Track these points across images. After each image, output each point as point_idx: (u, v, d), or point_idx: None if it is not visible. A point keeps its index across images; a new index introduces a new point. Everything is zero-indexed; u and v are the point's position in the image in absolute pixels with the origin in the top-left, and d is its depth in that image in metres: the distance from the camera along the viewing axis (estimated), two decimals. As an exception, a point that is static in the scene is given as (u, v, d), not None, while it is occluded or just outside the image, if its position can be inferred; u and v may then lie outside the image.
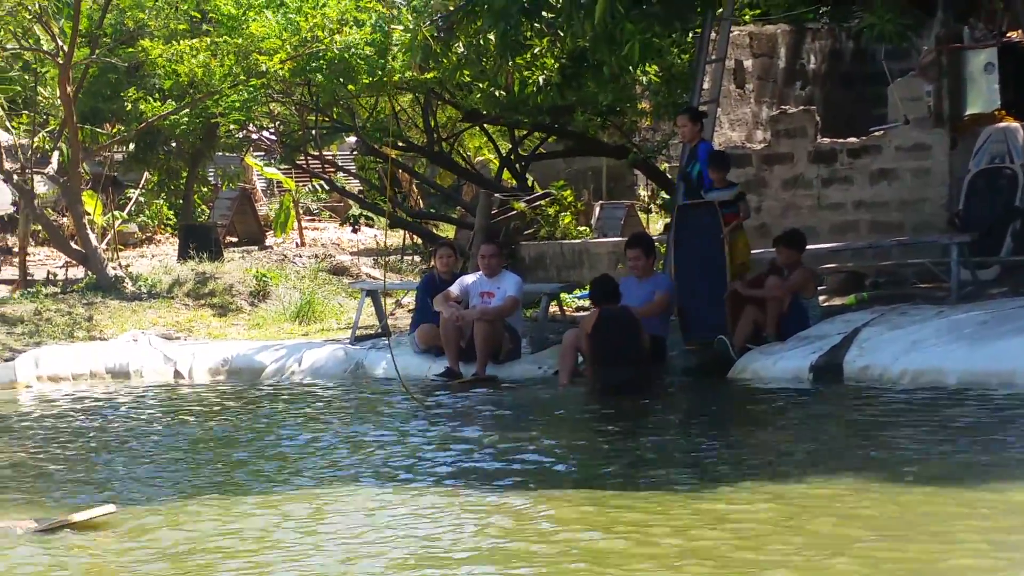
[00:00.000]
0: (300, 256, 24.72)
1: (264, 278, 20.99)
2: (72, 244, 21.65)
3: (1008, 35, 18.02)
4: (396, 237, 25.58)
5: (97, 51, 22.32)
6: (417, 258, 24.23)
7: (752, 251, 14.55)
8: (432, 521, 7.71)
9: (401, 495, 8.43)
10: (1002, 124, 16.92)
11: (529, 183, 22.65)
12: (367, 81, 19.01)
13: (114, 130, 24.80)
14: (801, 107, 19.45)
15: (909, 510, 7.38)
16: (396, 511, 7.99)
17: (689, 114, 14.85)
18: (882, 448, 9.19)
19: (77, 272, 22.13)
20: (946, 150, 17.31)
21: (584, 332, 12.84)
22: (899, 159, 17.61)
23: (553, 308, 16.35)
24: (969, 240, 15.17)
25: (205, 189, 29.18)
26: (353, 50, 18.82)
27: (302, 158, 23.60)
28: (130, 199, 27.26)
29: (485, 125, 22.53)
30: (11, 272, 23.81)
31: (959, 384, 11.49)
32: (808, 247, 16.50)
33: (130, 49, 22.66)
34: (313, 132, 21.73)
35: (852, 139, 18.19)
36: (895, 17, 13.26)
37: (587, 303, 17.84)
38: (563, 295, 17.20)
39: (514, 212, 20.15)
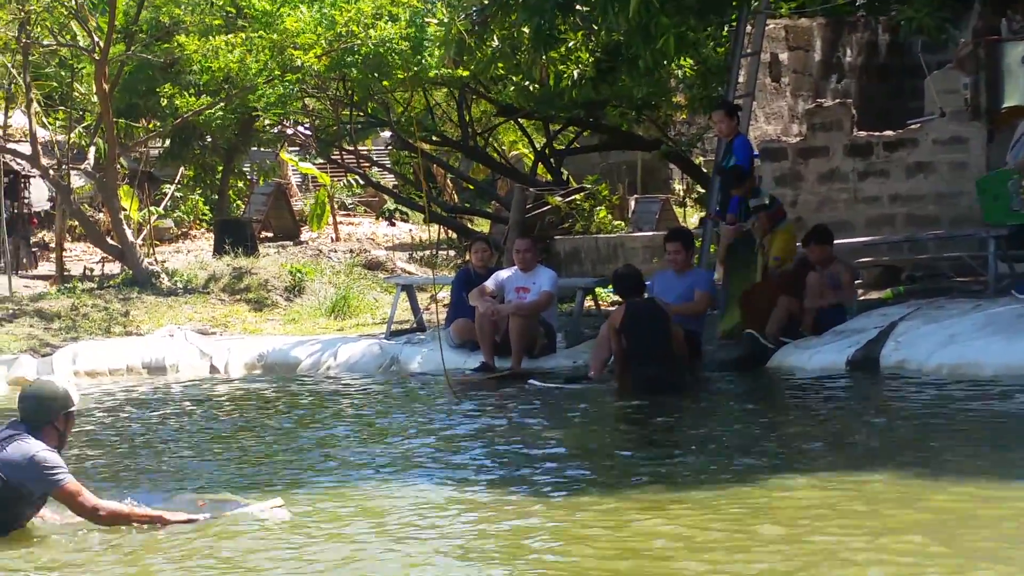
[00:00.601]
0: (335, 251, 24.78)
1: (299, 273, 21.04)
2: (108, 239, 21.74)
3: (1046, 27, 17.91)
4: (431, 232, 25.61)
5: (133, 47, 22.41)
6: (452, 253, 24.25)
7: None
8: (472, 518, 7.72)
9: (447, 492, 8.44)
10: (1039, 117, 16.81)
11: (564, 177, 22.63)
12: (402, 76, 19.03)
13: (150, 126, 24.90)
14: (837, 100, 19.37)
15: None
16: (445, 511, 8.01)
17: (725, 109, 14.81)
18: (922, 444, 9.16)
19: (113, 267, 22.24)
20: (983, 143, 17.21)
21: (612, 328, 12.71)
22: (935, 152, 17.52)
23: (588, 303, 16.32)
24: (1006, 233, 15.08)
25: (240, 184, 29.30)
26: (388, 45, 18.84)
27: (337, 153, 23.64)
28: (166, 194, 27.38)
29: (520, 119, 22.52)
30: (48, 267, 23.97)
31: (996, 377, 11.43)
32: (844, 240, 16.46)
33: (166, 45, 22.74)
34: (348, 127, 21.76)
35: (888, 132, 18.10)
36: (933, 10, 13.19)
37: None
38: (598, 289, 17.17)
39: (549, 207, 20.15)
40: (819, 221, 17.29)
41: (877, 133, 18.16)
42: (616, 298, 17.88)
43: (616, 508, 7.71)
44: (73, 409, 7.84)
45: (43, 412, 7.70)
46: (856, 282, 16.37)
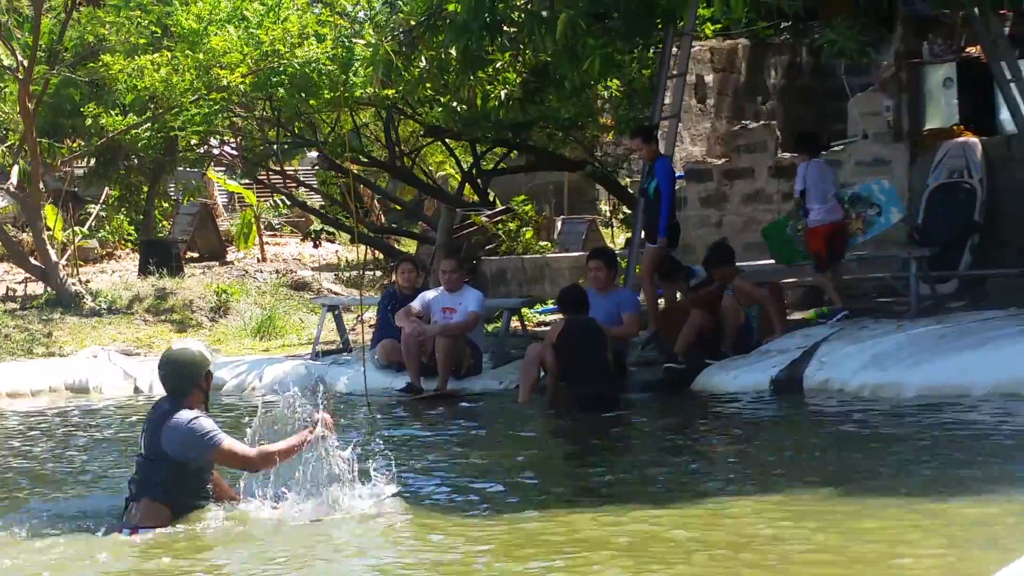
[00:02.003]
0: (261, 271, 24.67)
1: (225, 293, 20.93)
2: (32, 260, 21.56)
3: (967, 51, 18.12)
4: (358, 252, 25.54)
5: (57, 66, 22.24)
6: (379, 273, 24.20)
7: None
8: (388, 540, 7.69)
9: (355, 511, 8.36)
10: (961, 139, 17.02)
11: (491, 198, 22.66)
12: (329, 96, 18.99)
13: (75, 145, 24.71)
14: (762, 122, 19.52)
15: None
16: (346, 528, 7.93)
17: (641, 135, 14.82)
18: (835, 462, 9.22)
19: (36, 288, 22.02)
20: (905, 165, 17.40)
21: (549, 343, 12.77)
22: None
23: (514, 323, 16.34)
24: (928, 254, 15.24)
25: (166, 204, 29.09)
26: (314, 65, 18.80)
27: (263, 173, 23.55)
28: (90, 214, 27.16)
29: (447, 140, 22.53)
30: (-30, 288, 23.67)
31: (918, 397, 11.53)
32: (769, 262, 16.58)
33: (91, 64, 22.59)
34: (274, 147, 21.69)
35: (812, 154, 18.23)
36: (855, 33, 13.31)
37: (548, 318, 17.88)
38: (524, 310, 17.19)
39: (476, 227, 20.16)
40: (744, 242, 17.45)
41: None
42: (543, 318, 18.00)
43: (534, 524, 7.70)
44: (211, 367, 8.21)
45: (186, 378, 8.04)
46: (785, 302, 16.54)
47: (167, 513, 7.86)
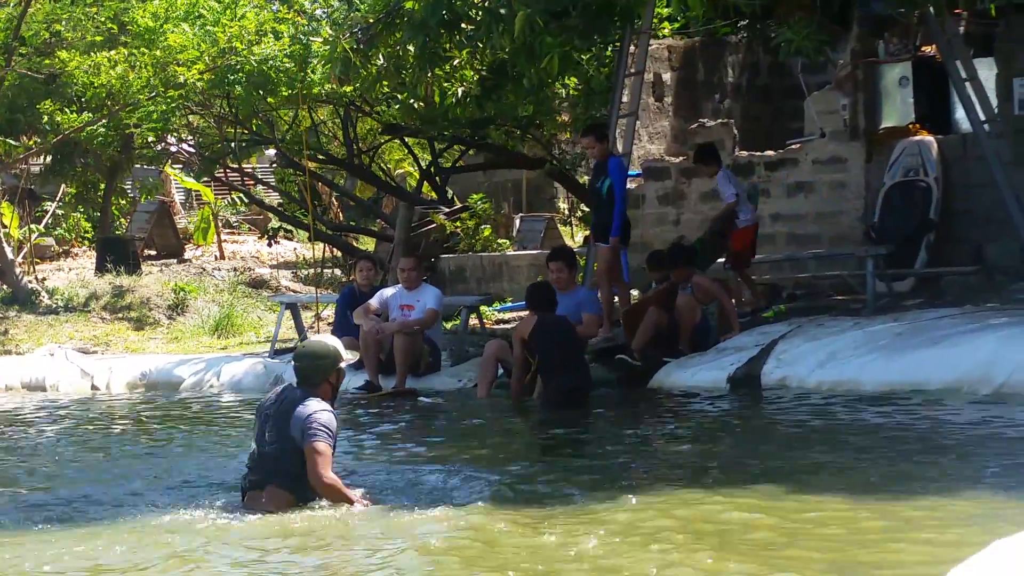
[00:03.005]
0: (219, 269, 24.60)
1: (183, 291, 20.87)
2: (-13, 257, 21.43)
3: (922, 50, 18.23)
4: (316, 250, 25.51)
5: (13, 62, 22.11)
6: (337, 271, 24.16)
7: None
8: (346, 539, 7.68)
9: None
10: (916, 138, 17.11)
11: (449, 196, 22.65)
12: (286, 93, 18.95)
13: (30, 142, 24.57)
14: (719, 120, 19.58)
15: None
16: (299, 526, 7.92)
17: (594, 134, 14.83)
18: (781, 459, 9.26)
19: (-8, 285, 21.92)
20: (862, 163, 17.49)
21: (520, 338, 12.73)
22: (816, 172, 17.76)
23: (473, 321, 16.36)
24: (884, 253, 15.32)
25: (123, 202, 28.96)
26: (271, 62, 18.75)
27: (221, 171, 23.48)
28: (47, 212, 27.03)
29: (405, 138, 22.50)
30: (-75, 286, 23.52)
31: (874, 394, 11.61)
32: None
33: (47, 60, 22.47)
34: (232, 144, 21.62)
35: (769, 152, 18.34)
36: (811, 32, 13.35)
37: (507, 316, 17.90)
38: (483, 308, 17.20)
39: (434, 225, 20.15)
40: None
41: (759, 153, 18.39)
42: (501, 316, 18.01)
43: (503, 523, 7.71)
44: (343, 364, 8.47)
45: (319, 370, 8.32)
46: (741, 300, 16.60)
47: (291, 500, 8.08)
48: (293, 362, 8.52)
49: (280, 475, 8.12)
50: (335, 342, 8.60)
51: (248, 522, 7.91)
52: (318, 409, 8.11)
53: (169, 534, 7.69)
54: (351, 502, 8.06)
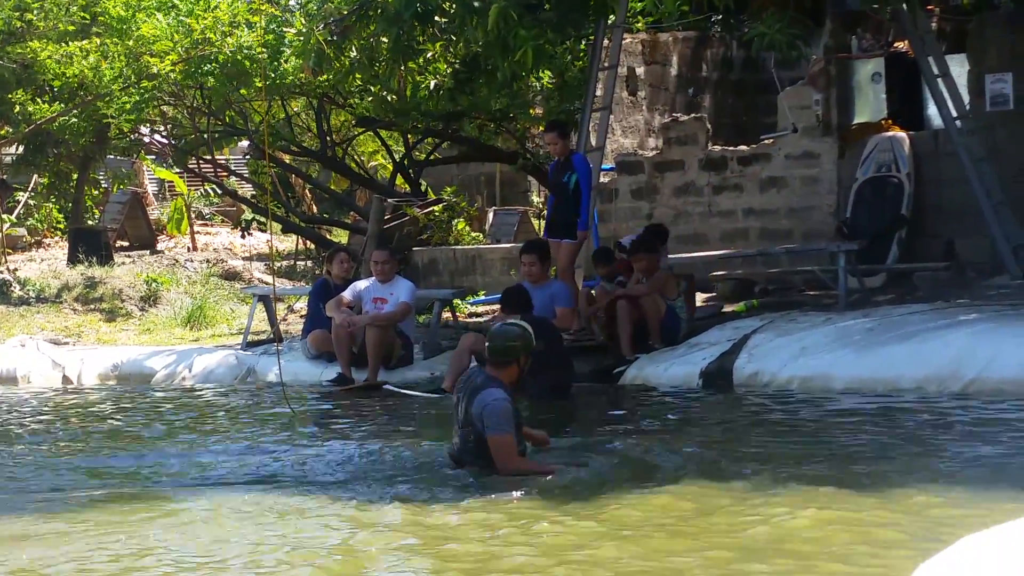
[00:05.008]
0: (191, 261, 24.52)
1: (155, 283, 20.81)
2: (-42, 247, 21.34)
3: (895, 45, 18.30)
4: (289, 242, 25.47)
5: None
6: (310, 263, 24.12)
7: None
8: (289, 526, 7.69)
9: (270, 500, 8.36)
10: (889, 133, 17.17)
11: (422, 188, 22.63)
12: (260, 84, 18.91)
13: (2, 132, 24.47)
14: (692, 115, 19.62)
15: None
16: (264, 518, 7.94)
17: (557, 130, 14.87)
18: (752, 458, 9.27)
19: (-37, 276, 21.83)
20: (834, 158, 17.54)
21: None
22: (788, 167, 17.81)
23: (446, 314, 16.35)
24: (856, 248, 15.37)
25: (96, 192, 28.85)
26: (245, 52, 18.70)
27: (194, 162, 23.41)
28: (19, 202, 26.92)
29: (379, 130, 22.48)
30: None
31: (846, 390, 11.66)
32: (698, 254, 16.67)
33: (19, 49, 22.37)
34: (205, 135, 21.57)
35: (742, 147, 18.38)
36: (784, 27, 13.39)
37: (480, 309, 17.90)
38: (456, 301, 17.20)
39: (407, 218, 20.13)
40: (675, 234, 17.55)
41: (732, 148, 18.44)
42: (474, 309, 18.01)
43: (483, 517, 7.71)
44: (534, 347, 8.90)
45: (510, 351, 8.78)
46: (712, 295, 16.65)
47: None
48: (487, 341, 8.92)
49: (468, 454, 8.69)
50: (529, 329, 8.97)
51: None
52: (491, 400, 8.52)
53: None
54: (536, 471, 8.54)
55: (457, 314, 17.18)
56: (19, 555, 7.19)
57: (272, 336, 16.29)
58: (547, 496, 8.08)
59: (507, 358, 8.78)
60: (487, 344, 8.92)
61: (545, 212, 20.88)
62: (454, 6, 14.73)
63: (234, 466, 9.68)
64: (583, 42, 17.80)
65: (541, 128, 21.49)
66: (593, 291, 14.80)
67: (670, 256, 15.82)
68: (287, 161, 24.44)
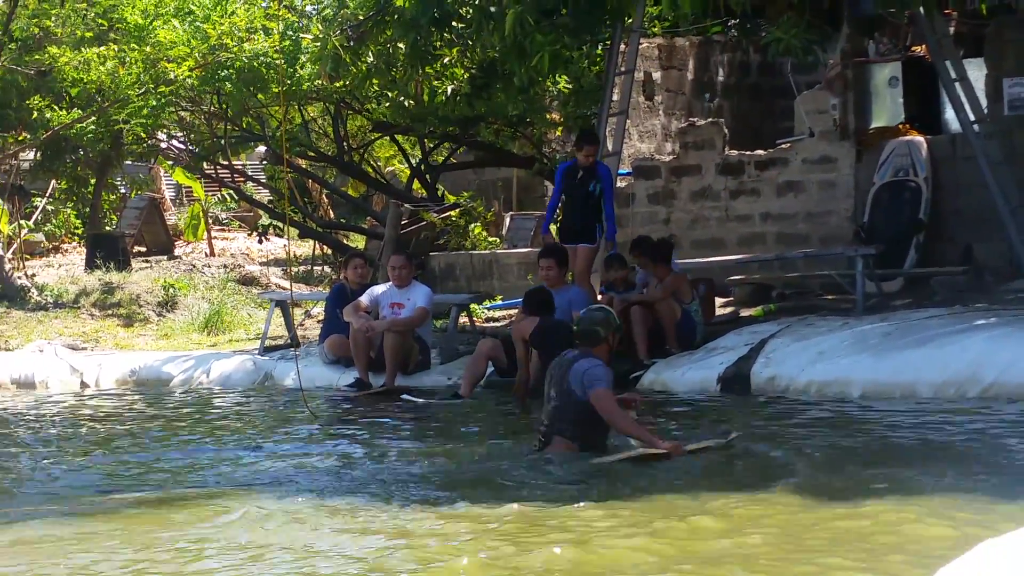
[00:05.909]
0: (209, 266, 24.56)
1: (172, 288, 20.85)
2: (-23, 253, 21.38)
3: (912, 50, 18.28)
4: (306, 247, 25.50)
5: (3, 57, 22.08)
6: (327, 268, 24.15)
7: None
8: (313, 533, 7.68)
9: (287, 507, 8.30)
10: (906, 138, 17.15)
11: (439, 193, 22.65)
12: (276, 90, 18.95)
13: (20, 137, 24.52)
14: (709, 119, 19.60)
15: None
16: (280, 522, 7.88)
17: (598, 142, 14.93)
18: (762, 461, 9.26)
19: (-18, 282, 21.88)
20: (851, 163, 17.52)
21: (520, 338, 12.70)
22: (805, 172, 17.79)
23: (463, 319, 16.36)
24: (874, 252, 15.35)
25: (113, 198, 28.91)
26: (262, 58, 18.74)
27: (211, 167, 23.46)
28: (37, 208, 26.99)
29: (395, 135, 22.50)
30: (-86, 281, 23.47)
31: (863, 395, 11.64)
32: (716, 259, 16.66)
33: (37, 56, 22.43)
34: (222, 141, 21.60)
35: (759, 151, 18.36)
36: (801, 31, 13.38)
37: (497, 314, 17.90)
38: (473, 306, 17.21)
39: (424, 223, 20.15)
40: (692, 239, 17.57)
41: (748, 152, 18.42)
42: (491, 314, 18.01)
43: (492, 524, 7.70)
44: (619, 325, 9.79)
45: (596, 332, 9.50)
46: (728, 299, 16.64)
47: (573, 448, 9.25)
48: (575, 326, 9.78)
49: (564, 425, 9.27)
50: (611, 311, 9.95)
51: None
52: (591, 365, 9.25)
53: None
54: (646, 440, 9.15)
55: (474, 319, 17.19)
56: (65, 560, 7.18)
57: (289, 341, 16.31)
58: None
59: (595, 337, 9.46)
60: (576, 329, 9.67)
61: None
62: (471, 11, 14.75)
63: (265, 468, 9.70)
64: (600, 47, 17.81)
65: (558, 133, 21.55)
66: (611, 295, 14.78)
67: (687, 261, 15.82)
68: (304, 166, 24.48)
